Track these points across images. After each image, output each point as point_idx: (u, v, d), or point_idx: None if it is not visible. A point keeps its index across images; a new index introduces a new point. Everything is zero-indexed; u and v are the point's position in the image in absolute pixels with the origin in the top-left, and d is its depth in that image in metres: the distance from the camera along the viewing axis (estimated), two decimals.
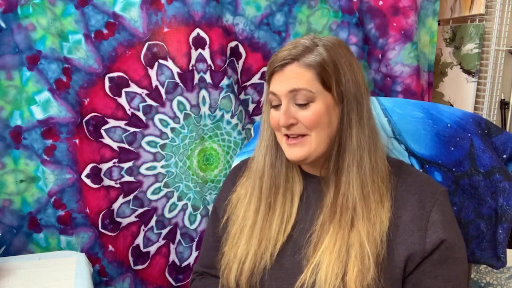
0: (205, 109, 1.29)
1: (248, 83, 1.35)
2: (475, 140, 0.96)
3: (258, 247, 0.82)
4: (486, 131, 0.98)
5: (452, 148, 0.97)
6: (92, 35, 1.21)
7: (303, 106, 0.78)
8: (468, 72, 1.49)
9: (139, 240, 1.32)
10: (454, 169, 0.97)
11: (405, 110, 1.03)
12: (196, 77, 1.26)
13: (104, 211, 1.26)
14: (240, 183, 0.92)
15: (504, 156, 0.97)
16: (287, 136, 0.80)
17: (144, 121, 1.27)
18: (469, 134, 0.97)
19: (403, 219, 0.77)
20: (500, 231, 0.94)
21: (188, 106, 1.27)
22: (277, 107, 0.81)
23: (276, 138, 0.85)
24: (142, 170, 1.29)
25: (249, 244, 0.83)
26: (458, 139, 0.97)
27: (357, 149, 0.78)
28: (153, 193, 1.31)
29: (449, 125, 0.98)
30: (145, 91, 1.25)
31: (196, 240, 1.36)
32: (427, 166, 0.99)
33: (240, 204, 0.88)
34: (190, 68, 1.25)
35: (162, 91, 1.26)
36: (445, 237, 0.75)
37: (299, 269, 0.78)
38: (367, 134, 0.79)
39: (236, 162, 1.14)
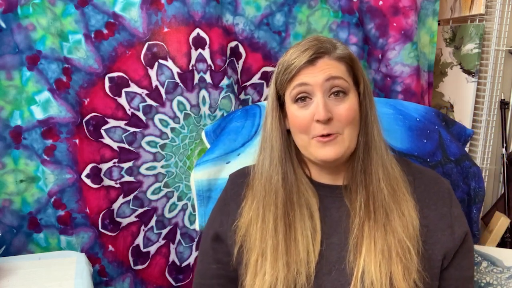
0: (205, 109, 1.29)
1: (248, 83, 1.35)
2: (442, 132, 1.04)
3: (288, 271, 0.75)
4: (444, 123, 1.06)
5: (425, 141, 1.03)
6: (92, 35, 1.21)
7: (338, 98, 0.75)
8: (468, 72, 1.49)
9: (139, 240, 1.32)
10: (428, 160, 1.03)
11: None
12: (196, 77, 1.26)
13: (104, 211, 1.26)
14: (246, 205, 0.83)
15: (460, 143, 1.07)
16: (319, 136, 0.75)
17: (144, 121, 1.27)
18: (436, 127, 1.04)
19: (431, 218, 0.78)
20: (475, 211, 1.05)
21: (188, 106, 1.27)
22: (304, 103, 0.76)
23: (284, 148, 0.80)
24: (142, 170, 1.29)
25: (275, 268, 0.75)
26: (428, 131, 1.03)
27: (379, 145, 0.79)
28: (153, 193, 1.31)
29: (418, 119, 1.04)
30: (145, 91, 1.25)
31: (196, 240, 1.36)
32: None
33: (253, 228, 0.80)
34: (190, 68, 1.25)
35: (162, 91, 1.26)
36: (467, 229, 0.78)
37: (342, 282, 0.75)
38: (381, 132, 0.80)
39: (198, 172, 1.07)
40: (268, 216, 0.78)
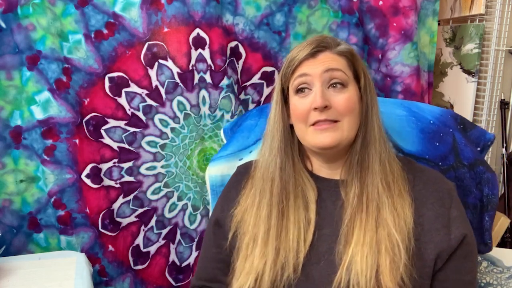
0: (205, 109, 1.29)
1: (248, 83, 1.35)
2: (456, 135, 1.01)
3: (276, 256, 0.77)
4: (461, 126, 1.03)
5: (437, 144, 1.01)
6: (92, 35, 1.21)
7: (337, 89, 0.78)
8: (468, 72, 1.49)
9: (139, 240, 1.32)
10: (440, 163, 1.01)
11: (388, 108, 1.05)
12: (196, 77, 1.26)
13: (104, 211, 1.26)
14: (244, 194, 0.87)
15: (478, 148, 1.03)
16: (316, 123, 0.77)
17: (144, 121, 1.27)
18: (451, 130, 1.01)
19: (426, 217, 0.78)
20: (487, 218, 1.00)
21: (188, 106, 1.27)
22: (304, 94, 0.79)
23: (285, 140, 0.82)
24: (142, 170, 1.29)
25: (265, 252, 0.78)
26: (441, 134, 1.01)
27: (379, 141, 0.80)
28: (153, 193, 1.31)
29: (431, 121, 1.02)
30: (145, 91, 1.25)
31: (196, 240, 1.36)
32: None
33: (248, 215, 0.83)
34: (190, 68, 1.25)
35: (162, 91, 1.26)
36: (466, 231, 0.77)
37: (329, 272, 0.76)
38: (382, 129, 0.82)
39: (212, 168, 1.10)
40: (263, 203, 0.81)
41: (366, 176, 0.78)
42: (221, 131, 1.21)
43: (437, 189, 0.80)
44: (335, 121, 0.77)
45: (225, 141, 1.19)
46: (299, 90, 0.80)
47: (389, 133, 1.01)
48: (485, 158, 1.50)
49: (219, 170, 1.09)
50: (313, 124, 0.78)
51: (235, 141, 1.12)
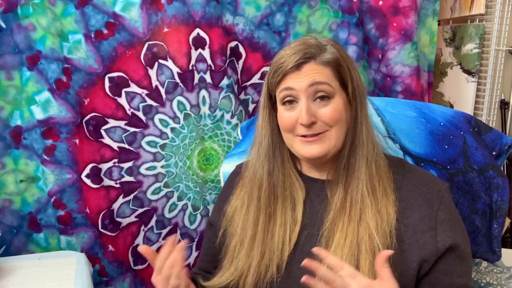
0: (205, 109, 1.29)
1: (248, 83, 1.35)
2: (467, 138, 0.98)
3: (261, 259, 0.79)
4: (476, 129, 1.00)
5: (446, 146, 0.99)
6: (92, 35, 1.21)
7: (323, 102, 0.77)
8: (468, 72, 1.49)
9: (139, 240, 1.32)
10: (448, 167, 0.99)
11: (398, 110, 1.04)
12: (196, 77, 1.26)
13: (104, 211, 1.26)
14: (235, 193, 0.89)
15: (494, 153, 1.00)
16: (303, 136, 0.78)
17: (144, 121, 1.27)
18: (462, 132, 0.99)
19: (412, 219, 0.77)
20: (495, 225, 0.98)
21: (188, 106, 1.27)
22: (291, 105, 0.79)
23: (273, 144, 0.83)
24: (142, 170, 1.29)
25: (250, 256, 0.80)
26: (451, 137, 0.99)
27: (366, 146, 0.80)
28: (153, 193, 1.31)
29: (442, 123, 1.01)
30: (145, 91, 1.26)
31: (196, 240, 1.36)
32: (422, 164, 1.01)
33: (237, 216, 0.86)
34: (190, 68, 1.25)
35: (162, 91, 1.26)
36: (455, 235, 0.76)
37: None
38: (370, 130, 0.82)
39: (225, 165, 1.13)
40: (251, 207, 0.83)
41: (351, 181, 0.79)
42: (238, 129, 1.22)
43: (426, 190, 0.79)
44: (323, 132, 0.78)
45: (241, 138, 1.21)
46: (286, 102, 0.80)
47: (397, 135, 1.01)
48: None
49: (231, 167, 1.10)
50: (300, 135, 0.79)
51: (248, 139, 1.13)
